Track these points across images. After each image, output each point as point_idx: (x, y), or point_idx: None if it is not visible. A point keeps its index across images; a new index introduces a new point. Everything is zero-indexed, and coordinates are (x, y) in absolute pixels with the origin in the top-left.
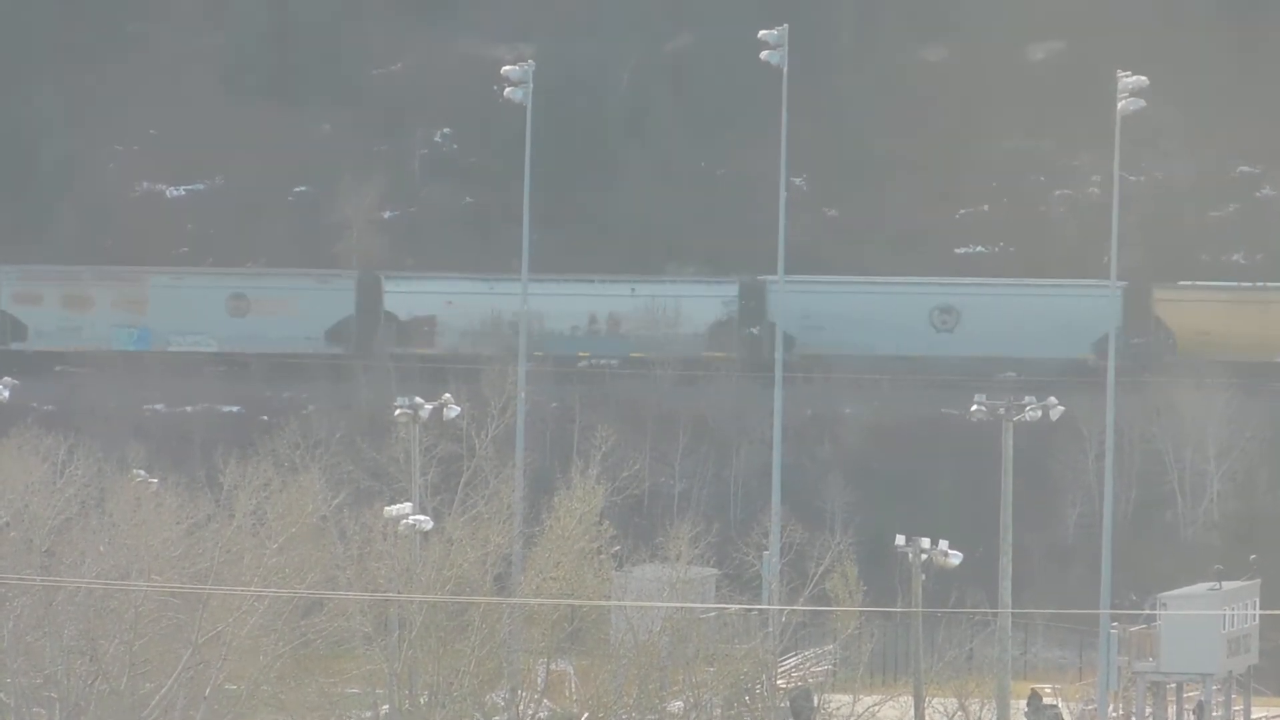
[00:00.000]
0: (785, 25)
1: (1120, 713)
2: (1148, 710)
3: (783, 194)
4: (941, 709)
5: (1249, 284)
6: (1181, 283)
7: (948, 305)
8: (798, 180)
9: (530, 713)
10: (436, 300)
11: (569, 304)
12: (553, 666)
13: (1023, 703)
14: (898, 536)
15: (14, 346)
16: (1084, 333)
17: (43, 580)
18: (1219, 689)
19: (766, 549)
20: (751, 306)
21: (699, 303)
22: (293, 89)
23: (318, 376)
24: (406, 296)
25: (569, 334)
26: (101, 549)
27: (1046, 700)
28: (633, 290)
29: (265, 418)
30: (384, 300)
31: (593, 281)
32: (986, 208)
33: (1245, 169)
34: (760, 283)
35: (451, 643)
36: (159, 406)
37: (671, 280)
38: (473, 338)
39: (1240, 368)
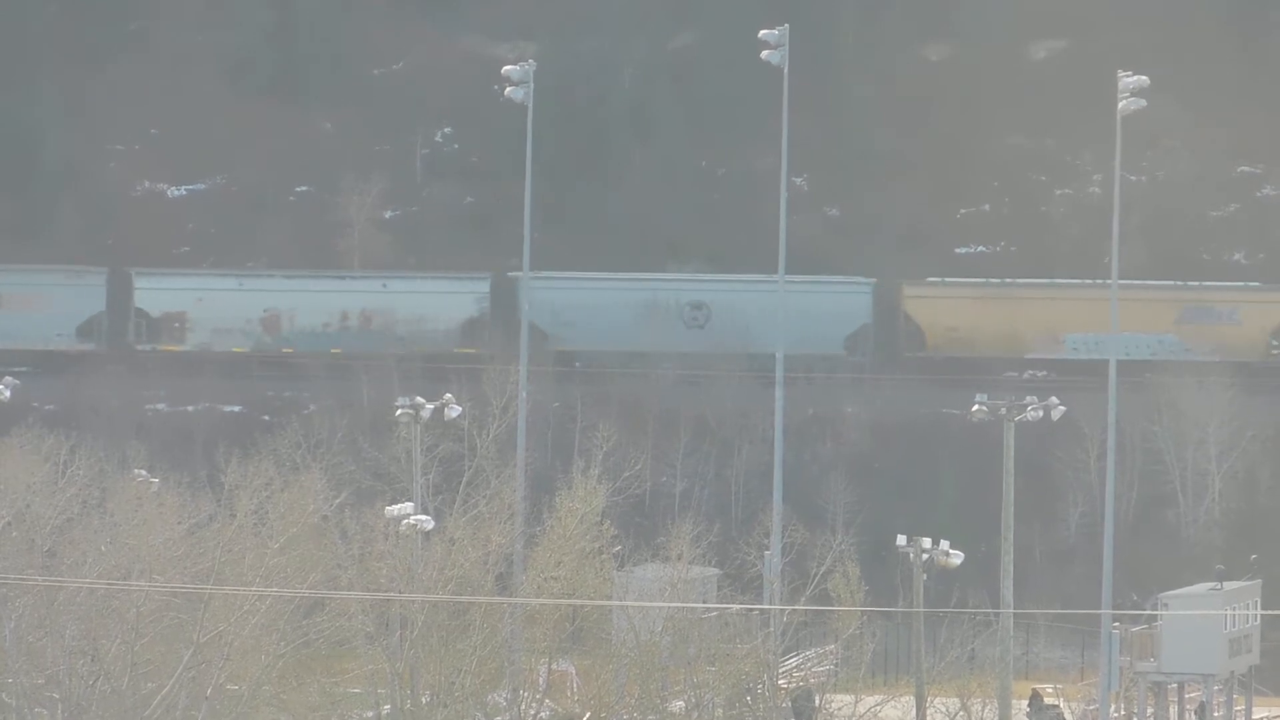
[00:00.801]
0: (786, 25)
1: (1122, 713)
2: (1149, 710)
3: (783, 193)
4: (943, 709)
5: (997, 280)
6: (930, 279)
7: (699, 301)
8: (799, 180)
9: (532, 713)
10: (188, 297)
11: (322, 300)
12: (554, 666)
13: (1024, 703)
14: (899, 536)
15: None
16: (836, 328)
17: (44, 580)
18: (1220, 689)
19: (768, 549)
20: (504, 302)
21: (451, 299)
22: (294, 88)
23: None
24: (157, 293)
25: (321, 330)
26: (103, 549)
27: (1048, 700)
28: (384, 286)
29: (266, 417)
30: (135, 297)
31: (344, 278)
32: (988, 207)
33: (1246, 169)
34: (512, 279)
35: (453, 642)
36: (161, 406)
37: (424, 277)
38: (224, 334)
39: (992, 364)
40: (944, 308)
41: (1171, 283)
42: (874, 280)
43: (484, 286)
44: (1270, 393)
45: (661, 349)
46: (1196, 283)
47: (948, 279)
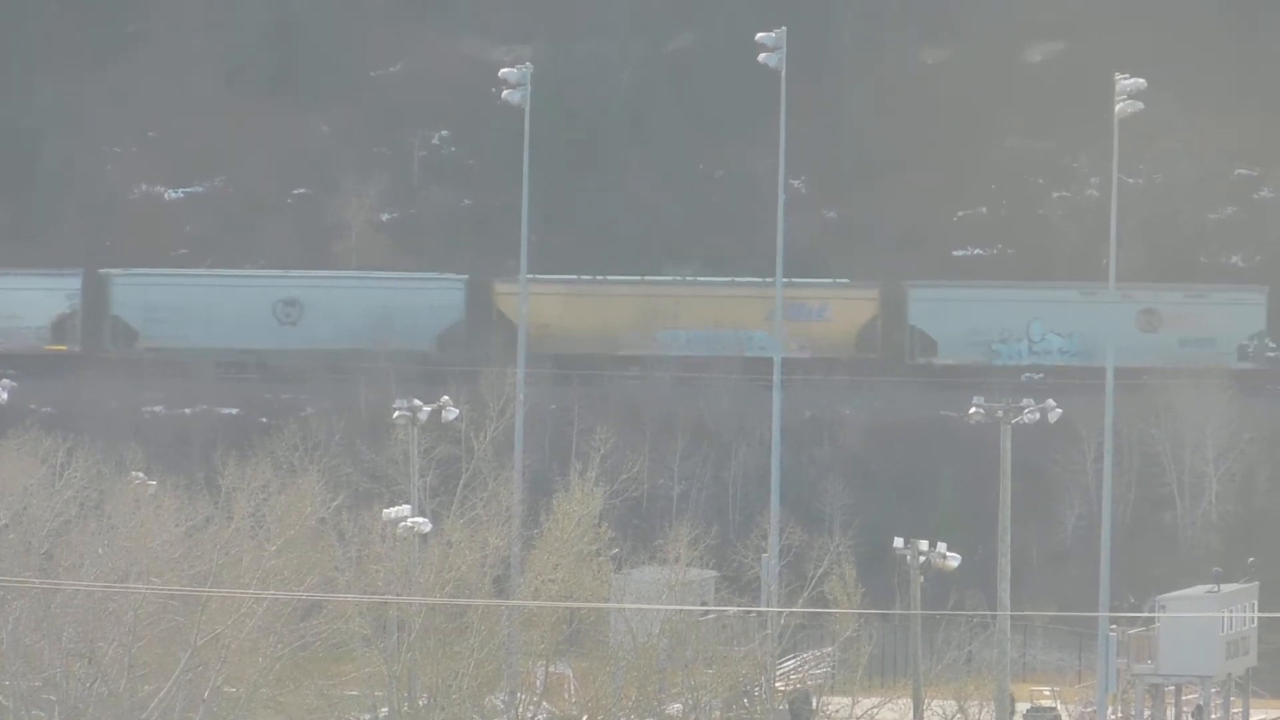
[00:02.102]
0: (784, 28)
1: (1119, 715)
2: (1146, 712)
3: (781, 195)
4: (940, 711)
5: (589, 277)
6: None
7: (291, 298)
8: (796, 182)
9: (529, 715)
10: None
11: None
12: (552, 669)
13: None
14: (896, 539)
15: None
16: (428, 326)
17: (41, 582)
18: (1218, 691)
19: (765, 551)
20: (95, 299)
21: (40, 296)
22: (292, 90)
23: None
24: None
25: None
26: (100, 551)
27: (1045, 703)
28: None
29: (264, 419)
30: None
31: None
32: (985, 209)
33: (1243, 171)
34: (105, 276)
35: (450, 645)
36: (159, 408)
37: (13, 273)
38: None
39: (586, 360)
40: (536, 304)
41: (762, 280)
42: (466, 276)
43: (75, 283)
44: (1267, 395)
45: (255, 346)
46: (788, 280)
47: (540, 275)
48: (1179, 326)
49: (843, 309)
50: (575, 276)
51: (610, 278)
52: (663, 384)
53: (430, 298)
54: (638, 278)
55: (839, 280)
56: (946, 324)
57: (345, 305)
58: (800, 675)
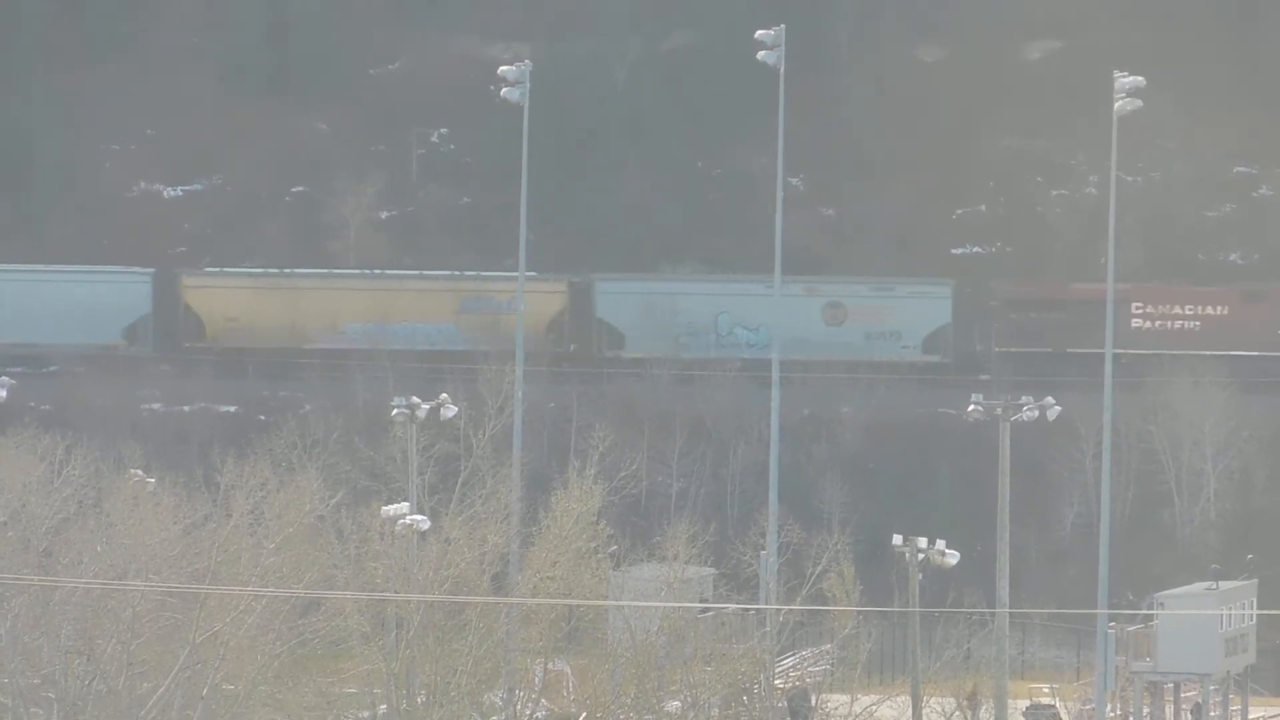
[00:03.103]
0: (782, 25)
1: (1118, 713)
2: (1145, 710)
3: (779, 193)
4: (939, 709)
5: (276, 270)
6: (209, 269)
7: None
8: (795, 180)
9: (528, 712)
10: None
11: None
12: (550, 666)
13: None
14: (895, 536)
15: None
16: (114, 319)
17: (40, 580)
18: (1216, 689)
19: (764, 548)
20: None
21: None
22: (290, 89)
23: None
24: None
25: None
26: (99, 548)
27: (1044, 700)
28: None
29: (262, 417)
30: None
31: None
32: (983, 207)
33: (1242, 169)
34: None
35: (449, 642)
36: (157, 406)
37: None
38: None
39: (273, 354)
40: (223, 298)
41: (450, 272)
42: (152, 270)
43: None
44: (1267, 392)
45: None
46: (474, 273)
47: (227, 269)
48: (865, 319)
49: (529, 302)
50: (262, 270)
51: (298, 270)
52: (662, 381)
53: (116, 292)
54: (325, 270)
55: (528, 274)
56: (633, 317)
57: (28, 298)
58: (799, 673)
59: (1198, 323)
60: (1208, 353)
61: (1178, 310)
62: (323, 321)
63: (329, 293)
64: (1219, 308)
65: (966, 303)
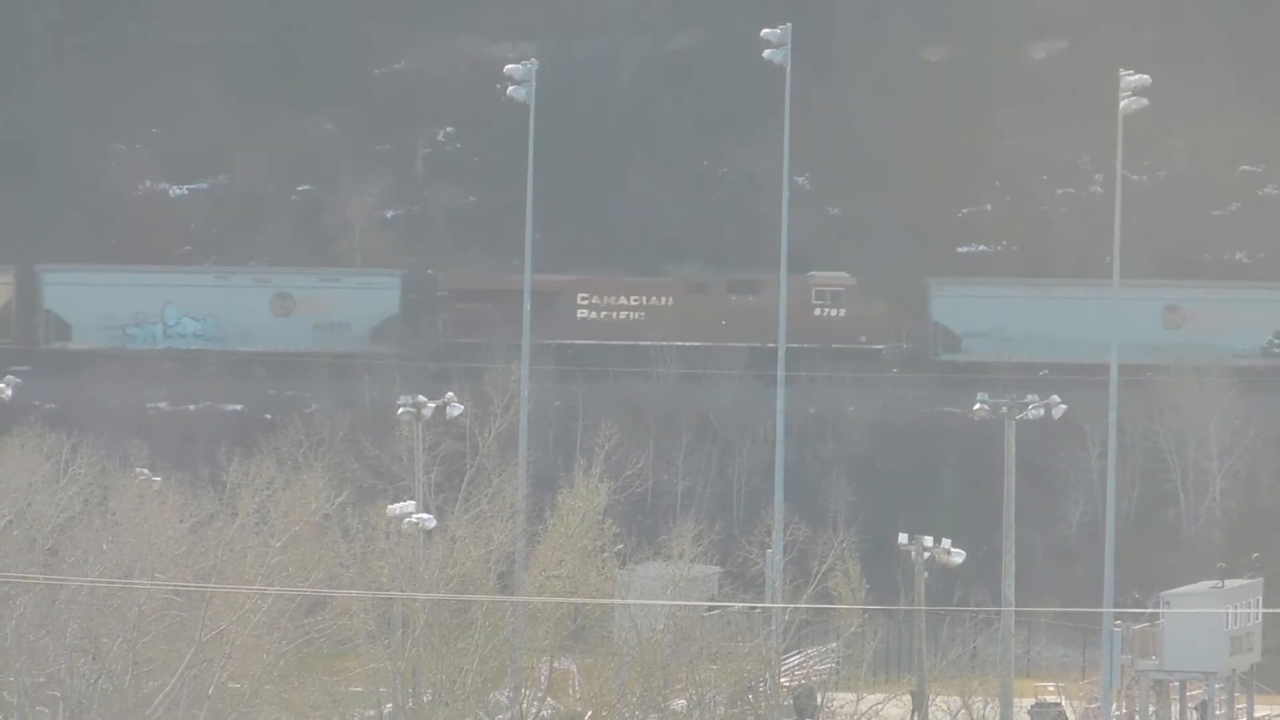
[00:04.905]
0: (788, 24)
1: (1123, 711)
2: (1151, 709)
3: (785, 193)
4: (944, 707)
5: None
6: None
7: None
8: (800, 179)
9: (533, 711)
10: None
11: None
12: (556, 665)
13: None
14: (900, 535)
15: None
16: None
17: (46, 579)
18: (1222, 687)
19: (769, 547)
20: None
21: None
22: (295, 88)
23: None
24: None
25: None
26: (104, 547)
27: (1050, 699)
28: None
29: (268, 416)
30: None
31: None
32: (989, 207)
33: (1247, 167)
34: None
35: (455, 641)
36: (163, 404)
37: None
38: None
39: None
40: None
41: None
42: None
43: None
44: (1271, 391)
45: None
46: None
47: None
48: (312, 310)
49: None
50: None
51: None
52: (668, 380)
53: None
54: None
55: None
56: (82, 308)
57: None
58: (805, 671)
59: (643, 313)
60: (650, 343)
61: (624, 301)
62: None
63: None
64: (664, 299)
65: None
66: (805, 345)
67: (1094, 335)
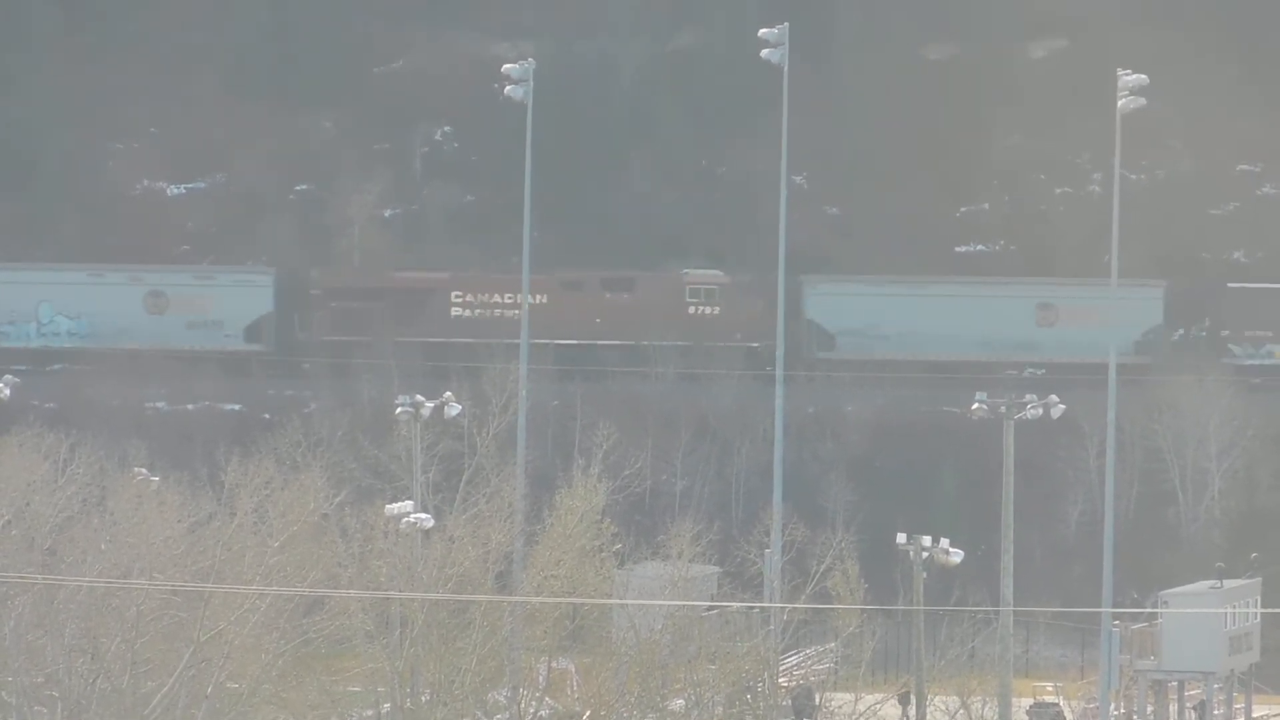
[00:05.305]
0: (786, 24)
1: (1122, 711)
2: (1149, 709)
3: (783, 192)
4: (943, 707)
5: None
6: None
7: None
8: (799, 178)
9: (532, 711)
10: None
11: None
12: (554, 665)
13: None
14: (899, 534)
15: None
16: None
17: (44, 579)
18: (1221, 687)
19: (768, 547)
20: None
21: None
22: (294, 87)
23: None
24: None
25: None
26: (103, 547)
27: (1048, 699)
28: None
29: (267, 416)
30: None
31: None
32: (987, 206)
33: (1246, 167)
34: None
35: (453, 641)
36: (161, 404)
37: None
38: None
39: None
40: None
41: None
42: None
43: None
44: (1270, 391)
45: None
46: None
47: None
48: (187, 309)
49: None
50: None
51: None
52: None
53: None
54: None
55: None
56: None
57: None
58: (803, 671)
59: (518, 311)
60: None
61: (498, 299)
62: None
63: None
64: (539, 296)
65: (287, 292)
66: (679, 343)
67: (968, 332)
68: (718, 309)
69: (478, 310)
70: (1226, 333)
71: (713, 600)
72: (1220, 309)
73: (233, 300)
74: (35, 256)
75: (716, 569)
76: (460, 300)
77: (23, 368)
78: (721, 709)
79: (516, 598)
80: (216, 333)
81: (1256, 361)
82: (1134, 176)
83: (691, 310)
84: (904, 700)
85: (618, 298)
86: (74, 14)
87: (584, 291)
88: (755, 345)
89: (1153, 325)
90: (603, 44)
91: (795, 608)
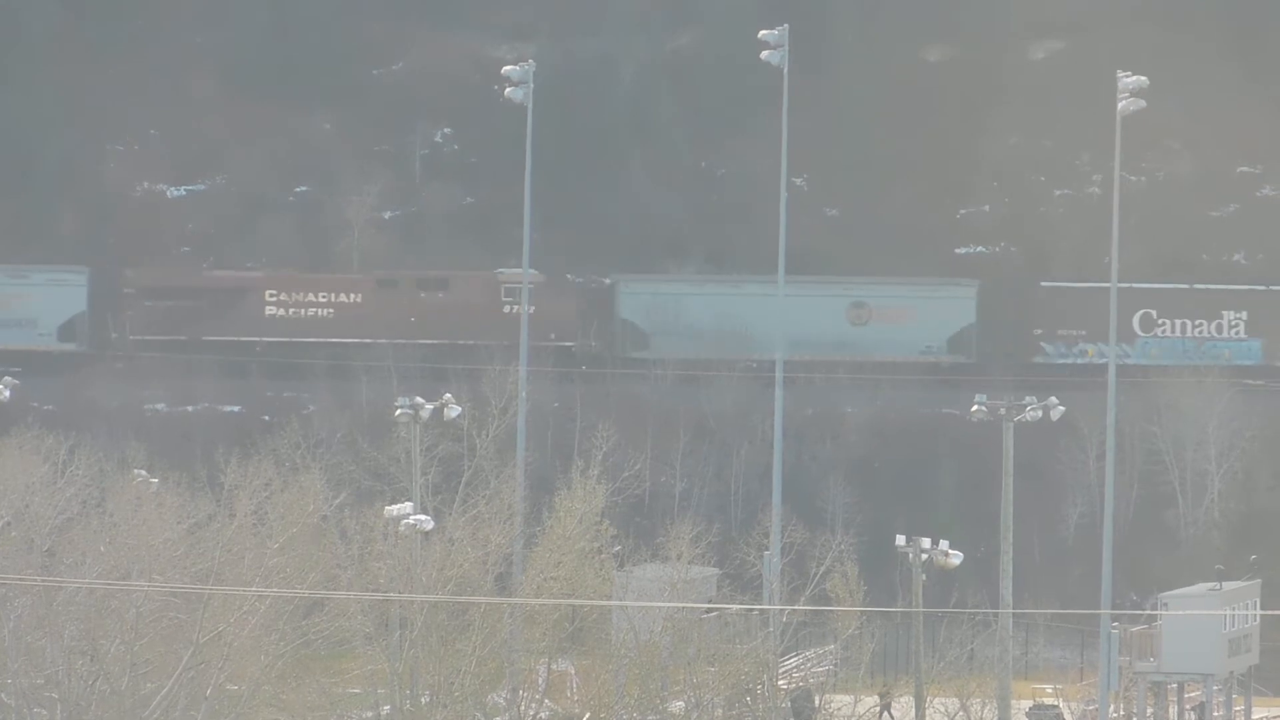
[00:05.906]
0: (786, 25)
1: (1121, 713)
2: (1149, 710)
3: (783, 194)
4: (943, 709)
5: None
6: None
7: None
8: (798, 180)
9: (531, 713)
10: None
11: None
12: (554, 666)
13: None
14: (898, 536)
15: None
16: None
17: (44, 580)
18: (1220, 689)
19: (767, 549)
20: None
21: None
22: (293, 88)
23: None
24: None
25: None
26: (102, 549)
27: (1047, 701)
28: None
29: (266, 417)
30: None
31: None
32: (987, 208)
33: (1245, 169)
34: None
35: (452, 643)
36: (160, 406)
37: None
38: None
39: None
40: None
41: None
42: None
43: None
44: (1270, 394)
45: None
46: None
47: None
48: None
49: None
50: None
51: None
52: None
53: None
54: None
55: None
56: None
57: None
58: (802, 673)
59: (333, 310)
60: (340, 340)
61: (312, 298)
62: None
63: None
64: (353, 295)
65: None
66: (496, 342)
67: (781, 331)
68: (531, 308)
69: (292, 309)
70: (1039, 331)
71: (712, 602)
72: (1033, 308)
73: (46, 299)
74: (36, 258)
75: (716, 571)
76: (275, 299)
77: None
78: (721, 711)
79: (516, 599)
80: (30, 331)
81: (1069, 360)
82: (1134, 178)
83: (506, 310)
84: (885, 701)
85: (433, 297)
86: (74, 14)
87: (399, 291)
88: (570, 344)
89: (966, 324)
90: (603, 45)
91: (794, 610)
